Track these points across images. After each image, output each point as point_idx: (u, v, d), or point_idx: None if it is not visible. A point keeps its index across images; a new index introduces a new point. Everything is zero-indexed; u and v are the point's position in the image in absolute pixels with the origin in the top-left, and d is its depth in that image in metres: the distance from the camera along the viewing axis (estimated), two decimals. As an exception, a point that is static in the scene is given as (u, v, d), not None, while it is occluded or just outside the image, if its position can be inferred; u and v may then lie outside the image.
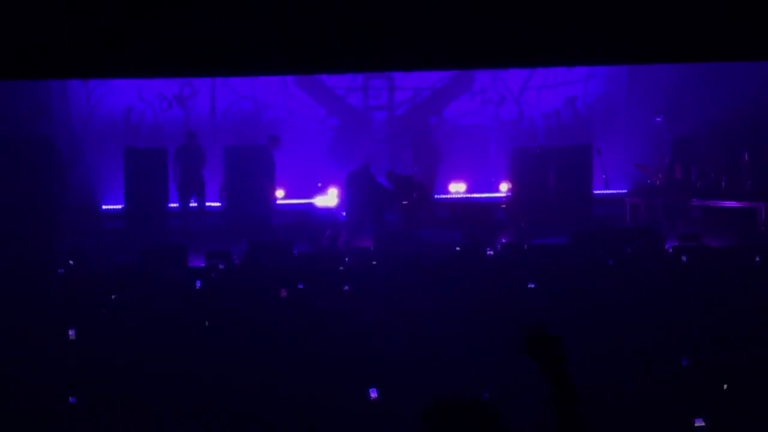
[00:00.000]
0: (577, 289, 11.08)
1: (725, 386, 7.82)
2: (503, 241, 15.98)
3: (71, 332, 9.49)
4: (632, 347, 8.76)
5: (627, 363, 8.36)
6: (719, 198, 18.58)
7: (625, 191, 20.10)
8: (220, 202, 19.31)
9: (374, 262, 13.67)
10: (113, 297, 11.21)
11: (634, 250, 14.12)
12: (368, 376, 8.36)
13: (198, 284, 11.84)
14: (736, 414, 7.37)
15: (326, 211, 18.84)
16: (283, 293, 11.21)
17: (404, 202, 18.36)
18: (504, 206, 19.50)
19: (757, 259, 13.17)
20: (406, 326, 9.65)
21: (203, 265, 13.69)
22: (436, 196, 20.25)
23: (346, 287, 11.71)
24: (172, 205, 18.72)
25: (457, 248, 14.68)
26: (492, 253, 14.91)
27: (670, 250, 14.18)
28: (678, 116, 19.70)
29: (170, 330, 9.66)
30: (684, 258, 13.41)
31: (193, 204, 18.75)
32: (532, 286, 11.47)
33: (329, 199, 19.38)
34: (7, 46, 6.48)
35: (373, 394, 9.06)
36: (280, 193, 19.99)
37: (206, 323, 10.09)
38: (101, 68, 7.12)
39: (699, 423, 7.14)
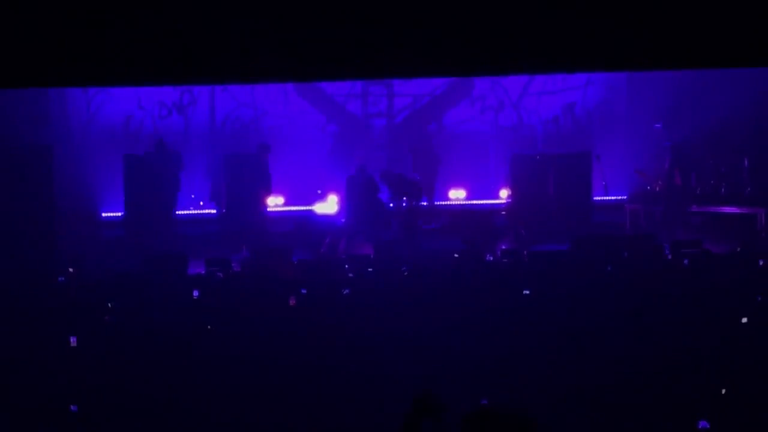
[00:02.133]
0: (576, 296, 11.08)
1: (723, 391, 7.82)
2: (503, 247, 15.98)
3: (73, 339, 9.48)
4: (633, 351, 8.76)
5: (629, 366, 8.36)
6: (719, 204, 18.57)
7: (624, 197, 20.10)
8: (213, 208, 19.42)
9: (370, 269, 13.66)
10: (110, 305, 11.20)
11: (633, 256, 14.12)
12: (366, 380, 8.36)
13: (195, 294, 11.82)
14: (738, 417, 7.37)
15: (326, 218, 18.83)
16: (292, 301, 11.20)
17: (403, 205, 18.38)
18: (503, 212, 19.50)
19: (761, 262, 13.18)
20: (406, 332, 9.65)
21: (203, 272, 13.69)
22: (436, 203, 20.26)
23: (346, 291, 11.71)
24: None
25: (456, 255, 14.68)
26: (491, 259, 14.91)
27: (669, 256, 14.20)
28: (677, 122, 19.70)
29: (171, 337, 9.65)
30: (686, 261, 13.43)
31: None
32: (527, 292, 11.47)
33: (329, 206, 19.38)
34: (7, 55, 6.49)
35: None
36: (278, 200, 20.01)
37: (209, 327, 10.09)
38: (101, 77, 7.12)
39: (703, 425, 7.14)
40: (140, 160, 18.28)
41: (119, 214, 18.75)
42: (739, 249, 14.48)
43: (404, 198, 18.55)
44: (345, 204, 18.39)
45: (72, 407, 7.81)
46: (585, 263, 13.49)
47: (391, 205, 18.98)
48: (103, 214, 19.44)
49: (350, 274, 13.31)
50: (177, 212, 18.75)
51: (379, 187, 18.31)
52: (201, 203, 20.22)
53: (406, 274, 13.17)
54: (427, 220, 18.97)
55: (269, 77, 10.86)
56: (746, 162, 19.01)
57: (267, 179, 18.61)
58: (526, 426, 3.85)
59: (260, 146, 18.87)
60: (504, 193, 20.36)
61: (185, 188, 19.28)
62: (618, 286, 11.71)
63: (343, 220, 18.23)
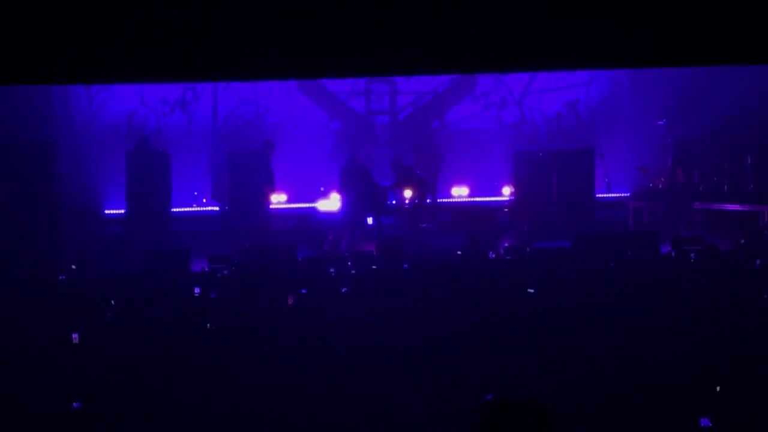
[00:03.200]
0: (579, 293, 11.08)
1: (717, 388, 7.83)
2: (506, 244, 15.99)
3: (75, 336, 9.49)
4: (635, 349, 8.77)
5: (631, 363, 8.36)
6: (722, 201, 18.58)
7: (627, 194, 20.11)
8: (215, 205, 19.47)
9: (374, 267, 13.67)
10: (112, 302, 11.20)
11: (636, 253, 14.13)
12: (369, 379, 8.36)
13: (197, 291, 11.83)
14: (738, 415, 7.37)
15: (329, 216, 18.84)
16: (291, 300, 11.19)
17: (406, 203, 18.40)
18: (506, 210, 19.51)
19: (758, 261, 13.19)
20: (409, 329, 9.65)
21: (206, 269, 13.70)
22: (438, 200, 20.28)
23: (345, 289, 11.71)
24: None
25: (459, 252, 14.69)
26: (494, 256, 14.92)
27: (673, 253, 14.21)
28: (680, 119, 19.70)
29: (173, 334, 9.66)
30: (692, 255, 13.44)
31: None
32: (532, 291, 11.47)
33: (332, 203, 19.38)
34: (10, 52, 6.50)
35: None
36: (281, 197, 20.03)
37: (208, 326, 10.10)
38: (104, 73, 7.13)
39: (705, 423, 7.14)
40: (129, 157, 18.25)
41: (122, 211, 18.76)
42: (743, 241, 14.49)
43: (408, 193, 18.51)
44: (342, 197, 18.26)
45: (75, 404, 7.82)
46: (588, 260, 13.49)
47: (394, 202, 18.99)
48: (106, 212, 19.44)
49: (353, 271, 13.32)
50: (176, 209, 18.76)
51: (372, 173, 18.23)
52: (204, 200, 20.25)
53: (407, 267, 13.22)
54: (427, 218, 18.96)
55: (272, 74, 10.86)
56: (749, 159, 19.02)
57: (270, 176, 18.59)
58: (543, 414, 3.86)
59: (264, 143, 18.86)
60: (507, 190, 20.37)
61: (186, 186, 19.34)
62: (620, 282, 11.71)
63: (342, 214, 18.15)
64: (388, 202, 18.47)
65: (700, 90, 19.56)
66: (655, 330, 9.39)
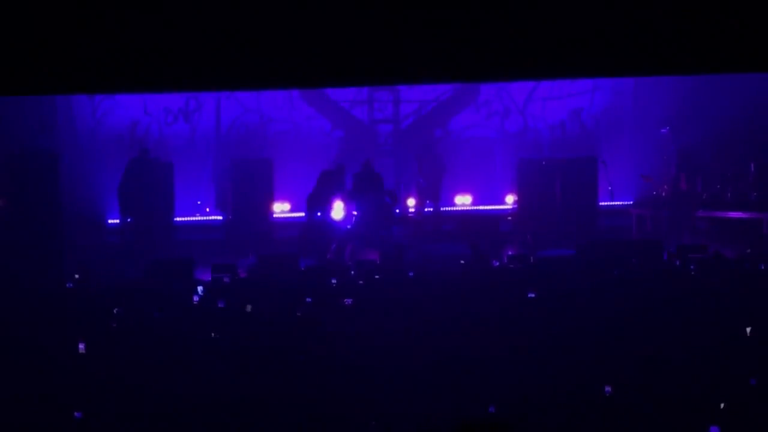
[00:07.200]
0: (583, 301, 11.07)
1: (729, 394, 7.82)
2: (509, 253, 15.98)
3: (81, 346, 9.48)
4: (641, 358, 8.75)
5: (636, 371, 8.35)
6: (725, 209, 18.56)
7: (630, 203, 20.10)
8: (219, 214, 19.47)
9: (377, 276, 13.66)
10: (115, 311, 11.19)
11: (640, 261, 14.12)
12: (373, 388, 8.35)
13: (195, 299, 11.83)
14: (744, 423, 7.35)
15: (332, 224, 18.80)
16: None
17: (410, 211, 18.34)
18: (510, 218, 19.51)
19: (762, 267, 13.17)
20: (412, 339, 9.64)
21: (209, 278, 13.69)
22: (441, 209, 20.30)
23: (348, 300, 11.70)
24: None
25: (462, 261, 14.68)
26: (498, 264, 14.91)
27: (677, 261, 14.19)
28: (684, 127, 19.70)
29: (176, 343, 9.66)
30: (692, 267, 13.43)
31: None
32: (532, 296, 11.48)
33: (335, 212, 19.35)
34: (14, 62, 6.50)
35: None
36: (285, 206, 20.03)
37: (212, 335, 10.09)
38: (108, 83, 7.13)
39: (714, 431, 7.13)
40: (129, 168, 18.23)
41: (117, 221, 18.76)
42: (749, 250, 14.48)
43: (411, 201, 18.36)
44: (354, 203, 18.14)
45: (76, 414, 7.80)
46: (591, 268, 13.48)
47: (397, 210, 18.96)
48: (110, 221, 19.44)
49: (360, 282, 13.31)
50: (180, 219, 18.77)
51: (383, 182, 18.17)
52: (207, 209, 20.25)
53: (412, 276, 13.20)
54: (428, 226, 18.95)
55: (275, 83, 10.87)
56: (752, 167, 19.00)
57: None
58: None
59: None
60: (510, 199, 20.37)
61: (189, 195, 19.35)
62: (625, 290, 11.69)
63: (352, 221, 18.04)
64: (397, 211, 18.42)
65: (703, 98, 19.56)
66: (660, 338, 9.38)
